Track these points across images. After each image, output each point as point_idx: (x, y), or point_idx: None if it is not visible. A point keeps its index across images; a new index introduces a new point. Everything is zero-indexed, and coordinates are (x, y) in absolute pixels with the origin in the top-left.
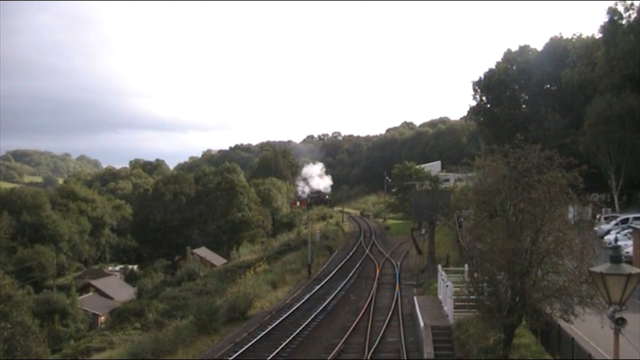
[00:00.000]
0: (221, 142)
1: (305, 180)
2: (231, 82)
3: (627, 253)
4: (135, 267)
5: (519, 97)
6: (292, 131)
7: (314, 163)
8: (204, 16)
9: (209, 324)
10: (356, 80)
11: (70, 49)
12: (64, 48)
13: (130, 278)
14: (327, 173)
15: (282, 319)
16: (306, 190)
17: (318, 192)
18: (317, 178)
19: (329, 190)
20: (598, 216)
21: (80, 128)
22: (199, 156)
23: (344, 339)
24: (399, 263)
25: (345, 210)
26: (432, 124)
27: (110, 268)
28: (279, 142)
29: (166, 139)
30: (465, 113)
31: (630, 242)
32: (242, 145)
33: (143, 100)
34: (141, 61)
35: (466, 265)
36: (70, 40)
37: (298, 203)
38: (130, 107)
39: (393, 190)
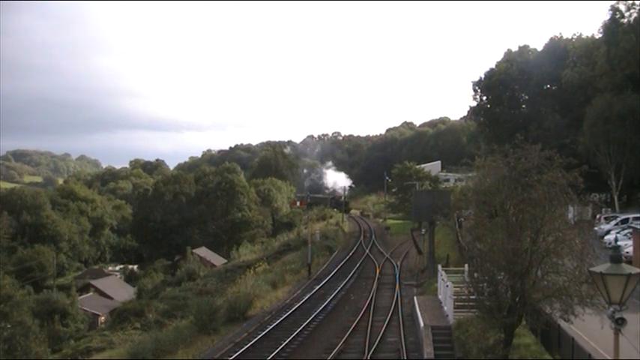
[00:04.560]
0: (219, 142)
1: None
2: (229, 82)
3: (627, 253)
4: (135, 267)
5: (519, 97)
6: (292, 131)
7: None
8: (201, 16)
9: (209, 324)
10: (356, 80)
11: (67, 49)
12: (61, 49)
13: (130, 278)
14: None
15: (282, 319)
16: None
17: (329, 194)
18: (328, 175)
19: (343, 187)
20: (598, 216)
21: (79, 128)
22: (198, 156)
23: (344, 339)
24: (399, 263)
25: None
26: (432, 124)
27: (110, 268)
28: (279, 142)
29: (164, 140)
30: (465, 113)
31: (630, 242)
32: (242, 145)
33: (140, 101)
34: (137, 62)
35: (466, 265)
36: (68, 41)
37: (298, 203)
38: (127, 107)
39: (393, 190)
